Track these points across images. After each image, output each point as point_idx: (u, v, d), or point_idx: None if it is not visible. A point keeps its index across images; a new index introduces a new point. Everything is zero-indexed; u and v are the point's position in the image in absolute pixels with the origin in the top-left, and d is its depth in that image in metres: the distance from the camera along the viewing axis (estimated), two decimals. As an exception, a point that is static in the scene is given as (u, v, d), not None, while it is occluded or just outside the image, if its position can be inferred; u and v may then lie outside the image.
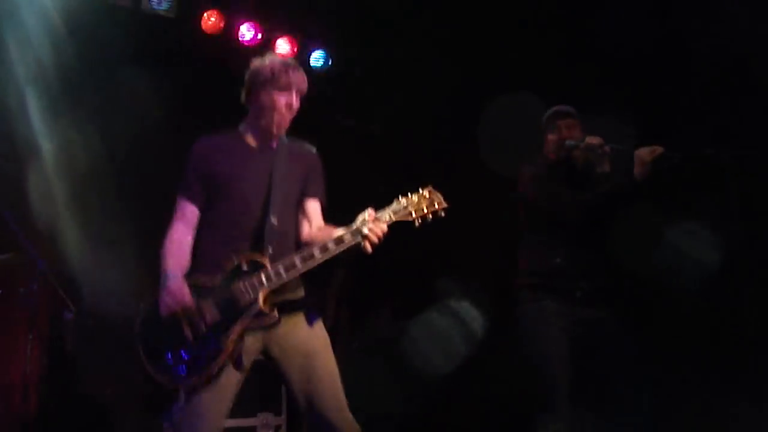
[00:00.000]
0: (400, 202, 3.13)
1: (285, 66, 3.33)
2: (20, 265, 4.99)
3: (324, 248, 3.12)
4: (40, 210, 5.33)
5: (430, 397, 5.99)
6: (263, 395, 5.16)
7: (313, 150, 3.50)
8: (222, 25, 5.90)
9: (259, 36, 6.02)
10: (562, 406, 3.95)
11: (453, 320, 5.92)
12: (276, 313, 3.11)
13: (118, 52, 5.49)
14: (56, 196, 5.46)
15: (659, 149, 3.98)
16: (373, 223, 3.05)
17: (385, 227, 3.08)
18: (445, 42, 5.91)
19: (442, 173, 6.24)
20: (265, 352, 3.23)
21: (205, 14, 5.85)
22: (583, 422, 3.98)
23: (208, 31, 5.87)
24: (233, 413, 5.00)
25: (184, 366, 3.05)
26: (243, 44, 5.99)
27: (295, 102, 3.32)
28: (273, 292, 3.14)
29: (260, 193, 3.26)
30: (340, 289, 6.76)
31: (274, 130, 3.33)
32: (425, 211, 3.11)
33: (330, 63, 6.33)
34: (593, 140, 4.12)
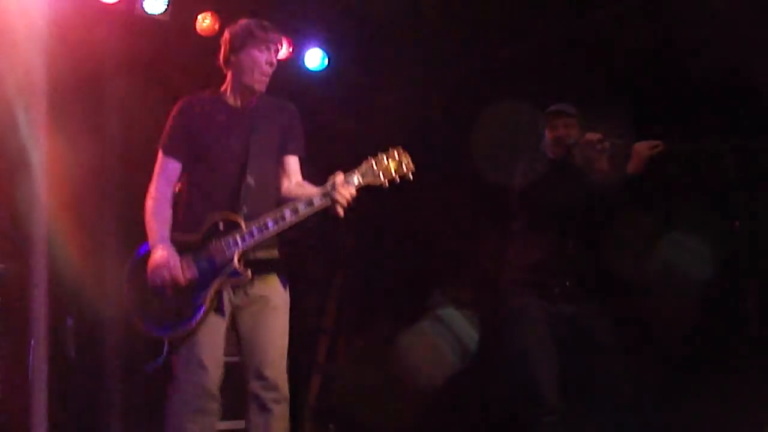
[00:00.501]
0: (369, 163, 3.23)
1: (260, 25, 3.46)
2: (20, 272, 4.99)
3: (295, 210, 3.24)
4: (36, 217, 5.31)
5: (430, 397, 5.97)
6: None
7: (291, 106, 3.62)
8: (217, 27, 5.85)
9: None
10: (550, 399, 3.97)
11: (450, 327, 5.91)
12: (249, 272, 3.26)
13: (111, 55, 5.46)
14: (52, 203, 5.44)
15: (658, 144, 3.98)
16: (342, 187, 3.17)
17: (353, 191, 3.20)
18: (442, 42, 5.88)
19: (440, 176, 6.27)
20: (232, 299, 3.38)
21: (199, 16, 5.81)
22: (575, 416, 4.00)
23: (203, 33, 5.83)
24: (227, 416, 5.07)
25: (167, 320, 3.25)
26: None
27: (274, 58, 3.46)
28: (247, 250, 3.28)
29: (239, 152, 3.39)
30: (341, 290, 6.75)
31: (257, 87, 3.45)
32: (393, 174, 3.22)
33: (327, 64, 6.30)
34: (592, 137, 4.12)
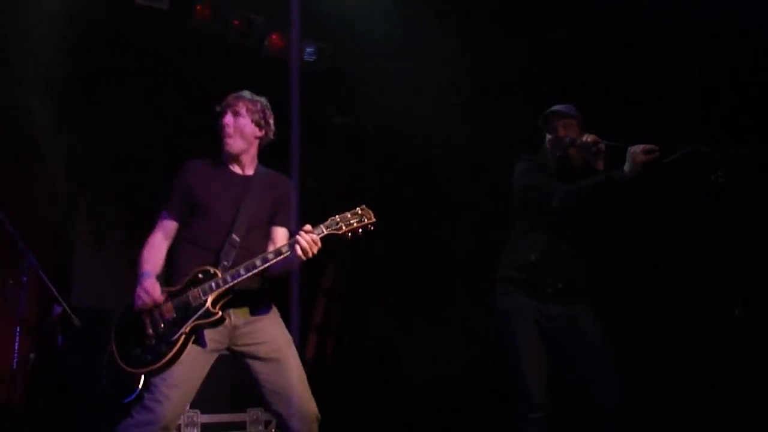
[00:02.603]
0: (333, 219, 3.55)
1: (223, 98, 3.86)
2: (10, 257, 4.98)
3: (264, 259, 3.57)
4: (41, 207, 5.33)
5: (420, 391, 5.99)
6: (252, 391, 5.16)
7: (286, 179, 3.95)
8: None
9: (252, 30, 6.00)
10: (538, 396, 4.03)
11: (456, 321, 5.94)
12: (221, 312, 3.58)
13: (113, 45, 5.48)
14: (57, 192, 5.46)
15: (653, 148, 3.99)
16: (306, 235, 3.47)
17: (316, 237, 3.49)
18: (442, 40, 5.90)
19: (436, 171, 6.29)
20: (231, 349, 3.71)
21: (198, 7, 5.82)
22: (563, 414, 4.03)
23: (201, 25, 5.83)
24: (223, 408, 5.08)
25: (146, 356, 3.58)
26: (235, 38, 5.97)
27: (229, 119, 3.80)
28: (236, 298, 3.64)
29: (230, 214, 3.73)
30: (331, 284, 6.75)
31: (225, 149, 3.81)
32: (354, 225, 3.52)
33: (320, 56, 6.31)
34: (588, 138, 4.15)
